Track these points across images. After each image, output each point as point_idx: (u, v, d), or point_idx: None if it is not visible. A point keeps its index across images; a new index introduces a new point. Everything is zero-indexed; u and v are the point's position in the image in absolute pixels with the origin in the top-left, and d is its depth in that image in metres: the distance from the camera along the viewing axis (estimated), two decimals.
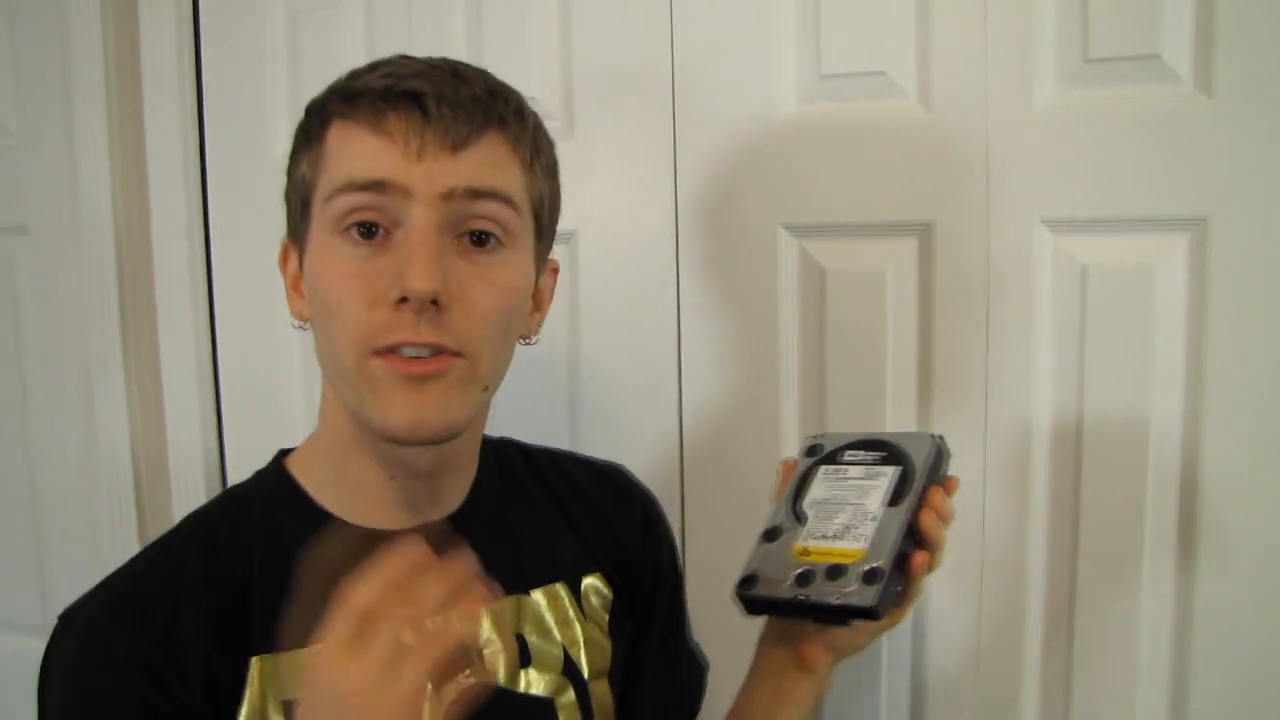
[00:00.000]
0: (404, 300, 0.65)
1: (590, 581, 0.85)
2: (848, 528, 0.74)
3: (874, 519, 0.73)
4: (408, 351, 0.66)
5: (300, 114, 0.74)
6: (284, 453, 0.79)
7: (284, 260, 0.76)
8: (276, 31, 1.27)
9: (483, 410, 0.76)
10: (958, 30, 1.01)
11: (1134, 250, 0.99)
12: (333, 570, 0.70)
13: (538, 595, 0.81)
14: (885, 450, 0.79)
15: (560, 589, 0.82)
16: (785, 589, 0.73)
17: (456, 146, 0.67)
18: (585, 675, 0.82)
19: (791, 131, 1.07)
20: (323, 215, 0.69)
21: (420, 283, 0.64)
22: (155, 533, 1.33)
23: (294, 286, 0.74)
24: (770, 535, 0.77)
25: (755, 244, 1.10)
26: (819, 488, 0.79)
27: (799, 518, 0.77)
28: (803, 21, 1.06)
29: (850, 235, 1.07)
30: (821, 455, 0.82)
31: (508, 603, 0.79)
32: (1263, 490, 0.96)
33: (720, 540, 1.14)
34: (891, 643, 1.09)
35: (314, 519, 0.74)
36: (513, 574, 0.80)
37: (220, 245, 1.33)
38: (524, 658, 0.78)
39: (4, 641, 1.46)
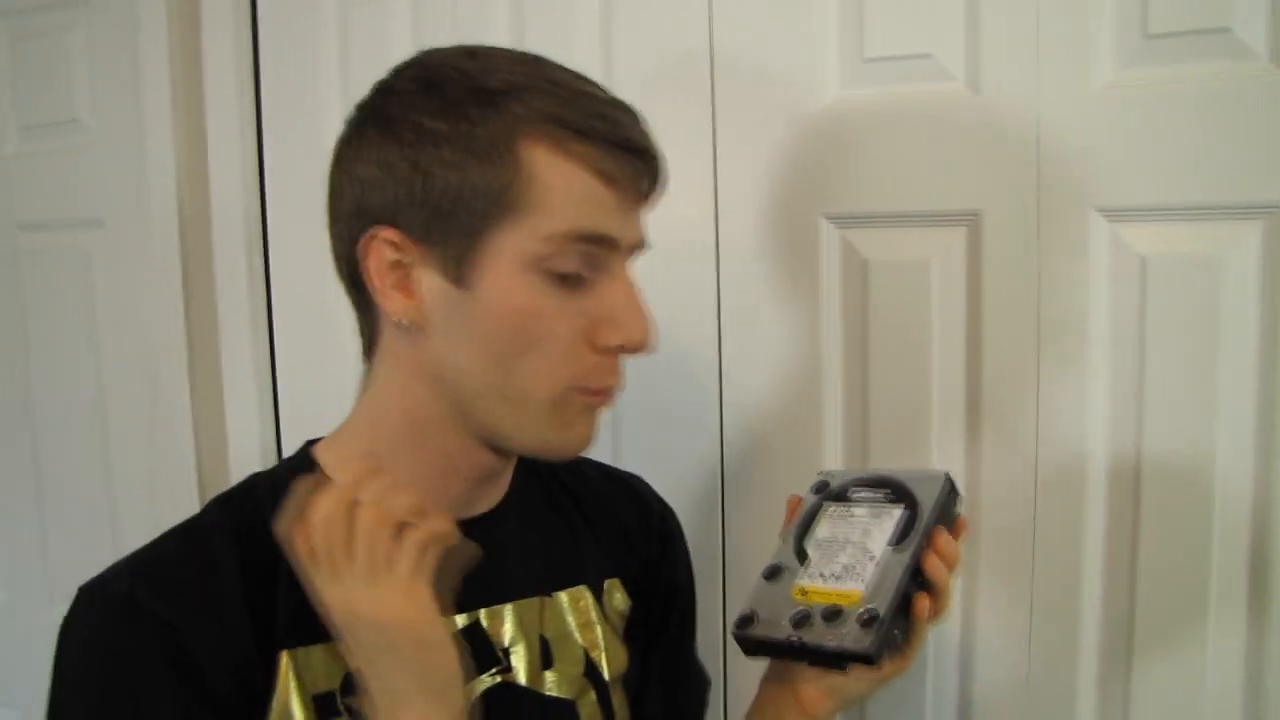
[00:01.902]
0: (622, 348, 0.69)
1: (611, 586, 0.84)
2: (849, 568, 0.71)
3: (876, 560, 0.71)
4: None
5: (351, 105, 0.70)
6: (311, 442, 0.79)
7: (375, 255, 0.67)
8: (329, 25, 1.28)
9: None
10: (1008, 8, 0.96)
11: (1200, 240, 0.93)
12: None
13: (562, 596, 0.80)
14: (892, 489, 0.76)
15: (584, 591, 0.82)
16: (781, 630, 0.70)
17: (652, 196, 0.72)
18: (606, 678, 0.81)
19: (834, 118, 1.03)
20: (526, 248, 0.66)
21: (645, 337, 0.69)
22: None
23: (399, 285, 0.68)
24: (771, 573, 0.75)
25: (796, 235, 1.06)
26: (824, 526, 0.76)
27: (801, 556, 0.74)
28: (845, 3, 1.02)
29: (895, 225, 1.03)
30: (829, 492, 0.79)
31: (533, 603, 0.78)
32: None
33: (761, 543, 1.11)
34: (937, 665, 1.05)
35: None
36: (539, 574, 0.79)
37: (277, 237, 1.36)
38: (545, 659, 0.78)
39: None
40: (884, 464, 1.05)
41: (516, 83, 0.66)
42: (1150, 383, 0.95)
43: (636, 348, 0.69)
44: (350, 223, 0.69)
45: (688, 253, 1.11)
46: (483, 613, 0.75)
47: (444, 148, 0.65)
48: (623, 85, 1.11)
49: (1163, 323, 0.94)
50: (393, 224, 0.67)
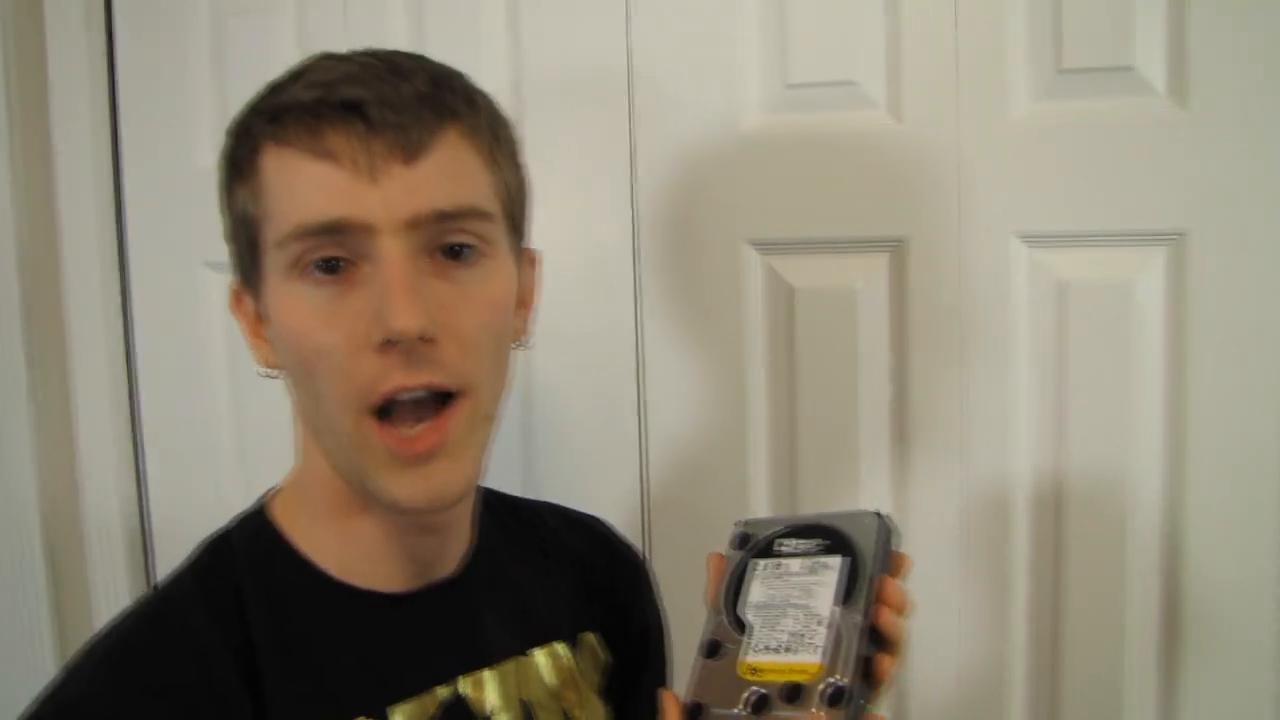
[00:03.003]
0: (389, 342, 0.58)
1: (586, 640, 0.79)
2: (797, 636, 0.63)
3: (825, 623, 0.63)
4: (405, 430, 0.60)
5: (226, 125, 0.65)
6: (268, 495, 0.71)
7: (237, 305, 0.67)
8: (200, 36, 1.18)
9: (490, 444, 0.68)
10: (929, 39, 0.98)
11: (1112, 265, 0.97)
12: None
13: (538, 655, 0.74)
14: (825, 537, 0.67)
15: (560, 648, 0.76)
16: (739, 718, 0.62)
17: (411, 156, 0.59)
18: None
19: (756, 143, 1.03)
20: (276, 260, 0.60)
21: (404, 321, 0.57)
22: (68, 590, 1.25)
23: (255, 333, 0.66)
24: (711, 650, 0.65)
25: (719, 261, 1.04)
26: (757, 588, 0.67)
27: (740, 626, 0.65)
28: (767, 27, 1.02)
29: (819, 252, 1.03)
30: (753, 547, 0.70)
31: (511, 665, 0.72)
32: (1241, 530, 0.95)
33: (687, 583, 1.07)
34: None
35: (313, 583, 0.66)
36: (515, 634, 0.73)
37: (138, 263, 1.22)
38: None
39: None
40: (810, 493, 1.05)
41: (276, 85, 0.63)
42: (1069, 403, 0.98)
43: (400, 335, 0.57)
44: None
45: (605, 278, 1.07)
46: (463, 681, 0.69)
47: (227, 185, 0.64)
48: (533, 101, 1.08)
49: (1080, 344, 0.98)
50: (235, 274, 0.66)
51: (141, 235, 1.22)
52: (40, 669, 1.20)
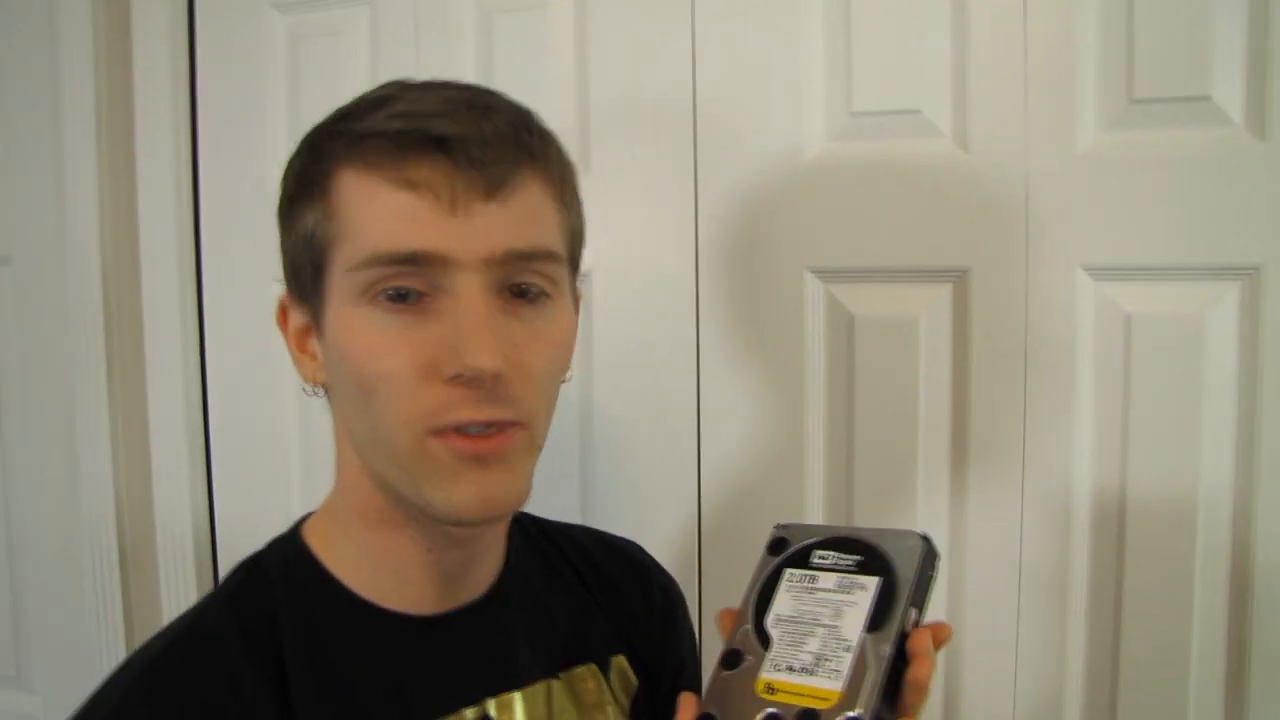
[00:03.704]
0: (461, 377, 0.58)
1: (618, 663, 0.79)
2: (820, 659, 0.61)
3: (851, 650, 0.60)
4: (470, 430, 0.60)
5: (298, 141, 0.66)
6: (303, 520, 0.72)
7: (284, 319, 0.68)
8: (276, 58, 1.22)
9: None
10: (997, 67, 0.97)
11: (1182, 299, 0.95)
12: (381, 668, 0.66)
13: (569, 678, 0.75)
14: (863, 554, 0.65)
15: (591, 670, 0.76)
16: None
17: (492, 193, 0.60)
18: None
19: (820, 170, 1.02)
20: (345, 282, 0.61)
21: (484, 360, 0.58)
22: (139, 585, 1.30)
23: (301, 348, 0.67)
24: (730, 660, 0.63)
25: (780, 288, 1.04)
26: (786, 600, 0.65)
27: (764, 639, 0.63)
28: (833, 56, 1.02)
29: (881, 280, 1.02)
30: (787, 555, 0.67)
31: (540, 688, 0.72)
32: None
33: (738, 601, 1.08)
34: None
35: (346, 606, 0.67)
36: (545, 656, 0.74)
37: (213, 280, 1.27)
38: None
39: None
40: (866, 523, 1.04)
41: (348, 111, 0.63)
42: (1134, 438, 0.96)
43: (477, 373, 0.58)
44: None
45: (667, 304, 1.08)
46: (491, 704, 0.69)
47: (286, 200, 0.65)
48: (599, 129, 1.09)
49: (1146, 379, 0.95)
50: (289, 289, 0.67)
51: (216, 253, 1.26)
52: (112, 665, 1.24)
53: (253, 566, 0.69)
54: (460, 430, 0.59)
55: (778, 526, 0.69)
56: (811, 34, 1.02)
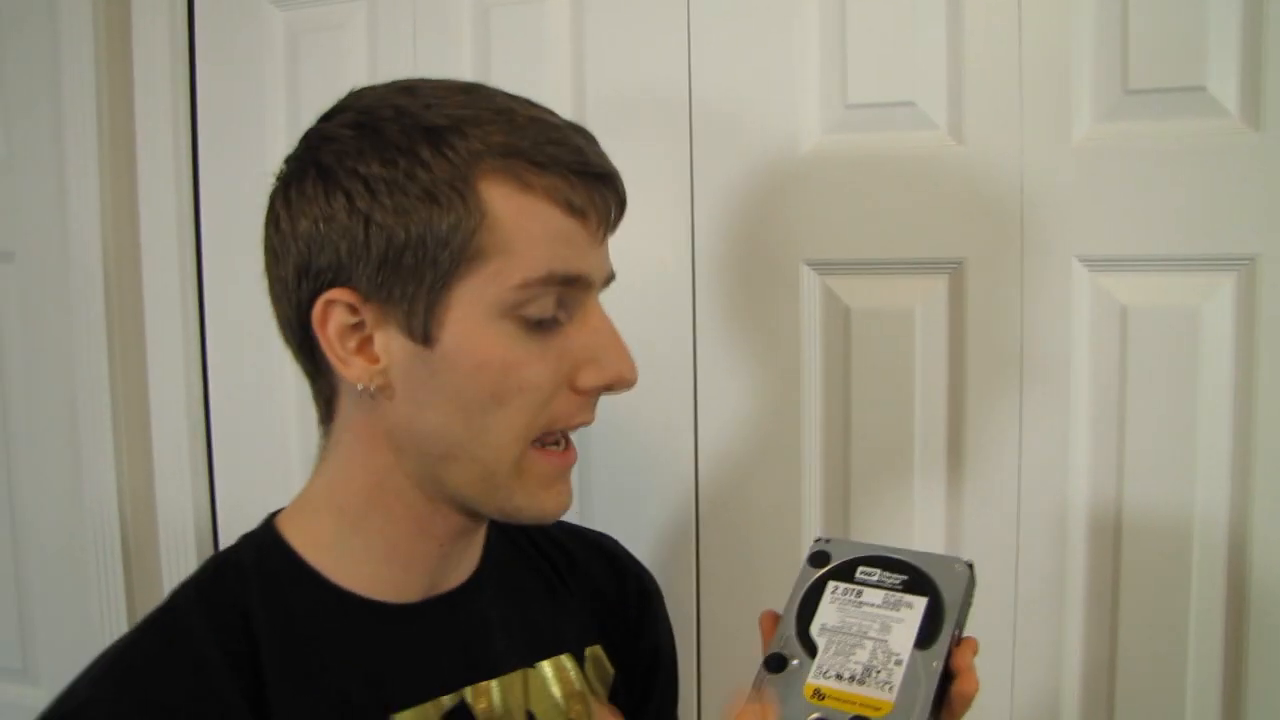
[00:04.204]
0: (606, 388, 0.65)
1: (593, 653, 0.80)
2: (870, 669, 0.62)
3: (901, 663, 0.62)
4: (556, 446, 0.67)
5: (298, 136, 0.65)
6: (274, 514, 0.72)
7: (332, 321, 0.62)
8: (275, 53, 1.22)
9: None
10: (991, 59, 0.97)
11: (1177, 290, 0.95)
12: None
13: (545, 666, 0.76)
14: (909, 574, 0.66)
15: (566, 660, 0.77)
16: None
17: (616, 223, 0.67)
18: None
19: (815, 163, 1.03)
20: (491, 296, 0.61)
21: (631, 373, 0.65)
22: (142, 579, 1.31)
23: (359, 350, 0.63)
24: (774, 664, 0.64)
25: (776, 281, 1.05)
26: (831, 611, 0.66)
27: (808, 646, 0.64)
28: (828, 48, 1.02)
29: (877, 273, 1.02)
30: (832, 568, 0.68)
31: (517, 676, 0.73)
32: None
33: (736, 593, 1.09)
34: None
35: (322, 595, 0.67)
36: (522, 645, 0.74)
37: (214, 275, 1.28)
38: None
39: None
40: (863, 515, 1.04)
41: (463, 116, 0.61)
42: (1131, 430, 0.96)
43: (625, 385, 0.65)
44: (296, 286, 0.63)
45: (663, 297, 1.08)
46: (468, 691, 0.70)
47: (394, 195, 0.59)
48: (595, 122, 1.09)
49: (1143, 370, 0.95)
50: (346, 284, 0.61)
51: (217, 248, 1.27)
52: None
53: (224, 558, 0.69)
54: (549, 445, 0.66)
55: (820, 540, 0.71)
56: (806, 26, 1.02)
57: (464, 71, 1.12)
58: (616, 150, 0.65)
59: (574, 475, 0.73)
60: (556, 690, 0.75)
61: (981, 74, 0.97)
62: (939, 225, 0.99)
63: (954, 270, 1.00)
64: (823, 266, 1.04)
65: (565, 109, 1.09)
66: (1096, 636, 0.98)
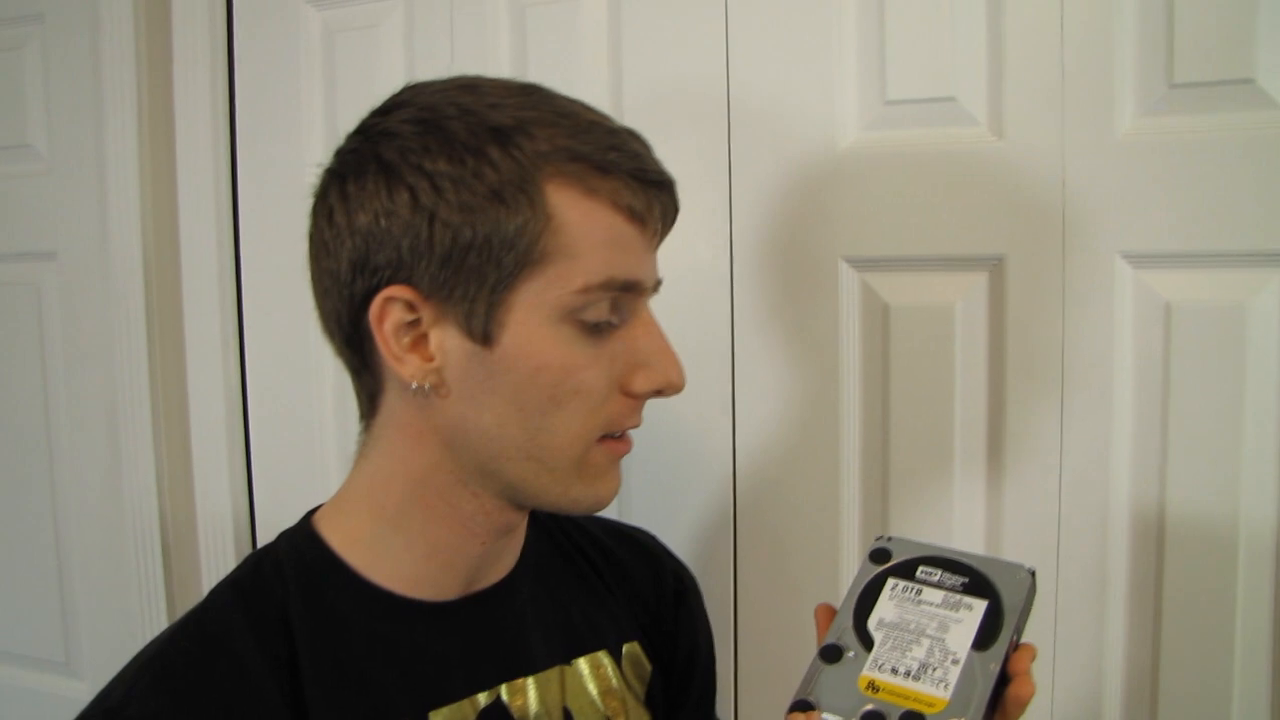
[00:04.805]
0: (658, 392, 0.66)
1: (630, 650, 0.79)
2: (926, 666, 0.62)
3: (958, 662, 0.61)
4: (613, 435, 0.67)
5: (337, 138, 0.65)
6: (311, 512, 0.72)
7: (389, 317, 0.61)
8: (312, 51, 1.23)
9: None
10: (1032, 53, 0.96)
11: (1222, 286, 0.93)
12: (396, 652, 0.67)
13: (581, 664, 0.76)
14: (970, 577, 0.66)
15: (603, 657, 0.77)
16: None
17: (668, 230, 0.68)
18: None
19: (854, 159, 1.02)
20: (552, 299, 0.61)
21: (681, 379, 0.66)
22: (181, 573, 1.32)
23: (413, 348, 0.62)
24: (830, 655, 0.64)
25: (815, 278, 1.04)
26: (889, 607, 0.66)
27: (865, 639, 0.64)
28: (866, 44, 1.01)
29: (916, 269, 1.01)
30: (892, 565, 0.69)
31: (554, 673, 0.73)
32: None
33: (773, 591, 1.08)
34: None
35: (360, 593, 0.68)
36: (559, 642, 0.74)
37: (251, 271, 1.29)
38: None
39: (28, 678, 1.42)
40: (902, 513, 1.04)
41: (527, 117, 0.61)
42: (1174, 427, 0.95)
43: (674, 390, 0.66)
44: (350, 281, 0.62)
45: (702, 294, 1.08)
46: (504, 688, 0.70)
47: (460, 193, 0.59)
48: (632, 120, 1.09)
49: (1186, 367, 0.94)
50: (405, 282, 0.60)
51: (255, 244, 1.28)
52: None
53: (262, 556, 0.70)
54: (607, 436, 0.66)
55: (881, 538, 0.71)
56: (845, 22, 1.02)
57: (501, 70, 1.13)
58: (654, 145, 0.65)
59: None
60: (593, 687, 0.75)
61: (1022, 68, 0.96)
62: (979, 221, 0.99)
63: (994, 267, 0.99)
64: (861, 263, 1.03)
65: (602, 107, 1.09)
66: (1139, 640, 0.97)
